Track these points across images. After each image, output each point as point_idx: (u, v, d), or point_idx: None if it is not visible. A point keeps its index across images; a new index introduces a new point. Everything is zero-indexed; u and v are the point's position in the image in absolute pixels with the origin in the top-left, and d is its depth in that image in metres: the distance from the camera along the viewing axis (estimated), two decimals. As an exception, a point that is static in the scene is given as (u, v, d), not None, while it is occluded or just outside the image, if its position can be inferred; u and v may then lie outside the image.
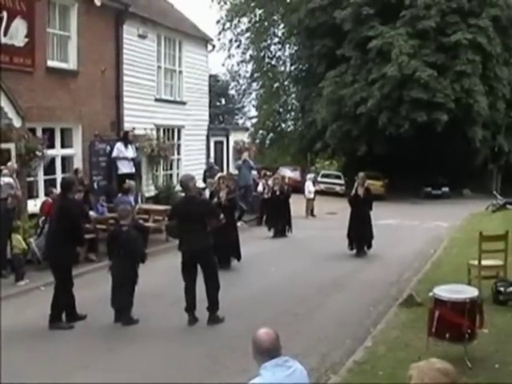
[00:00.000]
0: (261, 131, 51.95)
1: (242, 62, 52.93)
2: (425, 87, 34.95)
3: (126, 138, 18.99)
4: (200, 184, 18.09)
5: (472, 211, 27.08)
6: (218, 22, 50.39)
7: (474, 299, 7.70)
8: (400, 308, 10.54)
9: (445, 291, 7.86)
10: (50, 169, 17.02)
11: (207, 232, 10.28)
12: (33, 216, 14.80)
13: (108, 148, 18.85)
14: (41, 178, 16.58)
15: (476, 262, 10.93)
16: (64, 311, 10.02)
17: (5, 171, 13.54)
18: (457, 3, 35.95)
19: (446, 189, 39.66)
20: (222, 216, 10.84)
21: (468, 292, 8.03)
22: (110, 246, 10.58)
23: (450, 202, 36.24)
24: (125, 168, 18.69)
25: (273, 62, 52.56)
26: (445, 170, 39.24)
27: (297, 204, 23.42)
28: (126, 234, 10.28)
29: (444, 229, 22.26)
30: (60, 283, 10.01)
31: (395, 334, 9.05)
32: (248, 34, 51.06)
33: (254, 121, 55.34)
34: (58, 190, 13.85)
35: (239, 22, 50.75)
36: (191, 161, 24.88)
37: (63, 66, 17.54)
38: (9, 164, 13.87)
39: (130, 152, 18.86)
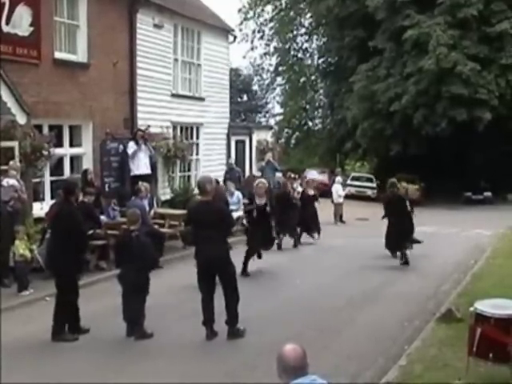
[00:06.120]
0: (286, 130, 52.05)
1: (265, 54, 53.17)
2: (465, 82, 34.59)
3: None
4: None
5: (518, 218, 26.77)
6: (240, 10, 50.73)
7: (520, 315, 7.59)
8: (438, 324, 10.45)
9: (488, 306, 7.73)
10: (57, 169, 17.07)
11: (225, 240, 10.24)
12: (39, 220, 14.74)
13: (121, 147, 18.81)
14: (47, 179, 16.61)
15: (523, 274, 10.82)
16: (66, 324, 10.00)
17: (12, 172, 13.50)
18: (502, -12, 35.62)
19: (488, 193, 39.18)
20: (234, 228, 10.69)
21: (514, 307, 7.92)
22: (118, 253, 10.57)
23: (492, 208, 35.85)
24: (137, 169, 18.63)
25: (299, 55, 52.63)
26: (487, 173, 38.85)
27: (325, 209, 23.33)
28: (135, 240, 10.22)
29: (486, 237, 22.03)
30: (62, 293, 10.00)
31: (432, 353, 8.95)
32: (272, 24, 51.18)
33: (279, 118, 55.42)
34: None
35: (262, 10, 50.97)
36: (210, 161, 24.90)
37: (72, 57, 17.62)
38: (11, 163, 13.72)
39: (144, 151, 18.81)
